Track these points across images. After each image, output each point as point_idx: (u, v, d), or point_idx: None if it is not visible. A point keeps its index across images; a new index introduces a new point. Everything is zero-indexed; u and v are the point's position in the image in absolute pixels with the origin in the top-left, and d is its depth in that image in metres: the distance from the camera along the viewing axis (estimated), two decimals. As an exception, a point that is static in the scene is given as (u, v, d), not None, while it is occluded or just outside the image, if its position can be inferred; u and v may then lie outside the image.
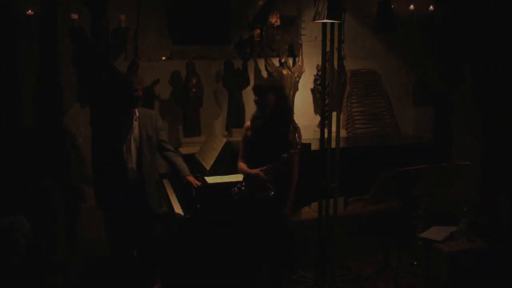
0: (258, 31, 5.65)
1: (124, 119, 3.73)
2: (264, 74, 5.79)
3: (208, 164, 4.28)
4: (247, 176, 3.56)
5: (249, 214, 3.56)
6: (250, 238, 3.64)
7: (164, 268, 4.17)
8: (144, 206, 3.77)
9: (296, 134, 3.48)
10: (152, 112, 3.98)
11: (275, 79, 5.50)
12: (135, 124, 3.75)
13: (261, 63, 5.78)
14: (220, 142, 4.33)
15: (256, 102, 3.59)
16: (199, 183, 3.88)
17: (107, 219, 3.94)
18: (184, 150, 4.93)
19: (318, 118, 5.95)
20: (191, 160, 4.46)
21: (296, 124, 3.55)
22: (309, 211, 5.12)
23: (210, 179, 3.93)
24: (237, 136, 4.77)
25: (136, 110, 3.78)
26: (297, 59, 5.85)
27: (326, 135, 4.13)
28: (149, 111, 3.98)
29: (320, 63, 5.51)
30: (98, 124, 3.84)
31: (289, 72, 5.73)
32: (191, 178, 3.91)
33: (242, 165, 3.61)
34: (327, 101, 4.42)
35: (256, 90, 3.61)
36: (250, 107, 3.66)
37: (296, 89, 5.83)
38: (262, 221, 3.56)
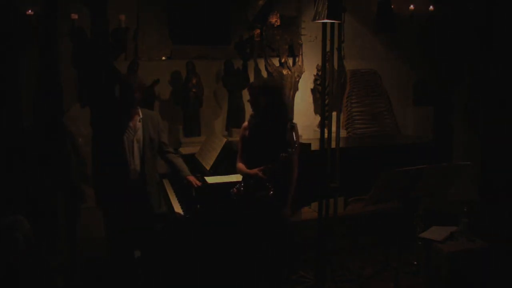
0: (258, 31, 5.65)
1: (125, 120, 3.73)
2: (264, 74, 5.79)
3: (208, 164, 4.29)
4: (246, 176, 3.56)
5: (249, 214, 3.55)
6: (250, 238, 3.64)
7: (164, 268, 4.16)
8: (145, 207, 3.78)
9: (294, 133, 3.46)
10: (153, 113, 3.99)
11: (271, 79, 5.48)
12: (139, 125, 3.75)
13: (261, 63, 5.78)
14: (220, 142, 4.33)
15: (249, 102, 3.60)
16: (199, 183, 3.88)
17: (107, 219, 3.94)
18: (184, 150, 4.93)
19: (318, 118, 5.95)
20: (191, 160, 4.46)
21: (294, 123, 3.55)
22: (309, 211, 5.12)
23: (210, 179, 3.93)
24: (237, 136, 4.76)
25: (140, 111, 3.78)
26: (297, 59, 5.85)
27: (326, 135, 4.13)
28: (151, 112, 3.99)
29: (320, 63, 5.51)
30: (99, 124, 3.86)
31: (289, 72, 5.73)
32: (191, 178, 3.91)
33: (240, 165, 3.60)
34: (327, 101, 4.42)
35: (249, 90, 3.63)
36: (250, 107, 3.67)
37: (296, 89, 5.83)
38: (262, 221, 3.55)
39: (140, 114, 3.78)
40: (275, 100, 3.52)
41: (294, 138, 3.44)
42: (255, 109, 3.58)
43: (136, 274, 3.98)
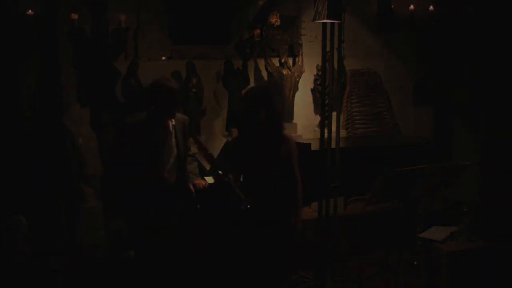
0: (258, 31, 5.65)
1: (161, 124, 3.55)
2: (264, 74, 5.79)
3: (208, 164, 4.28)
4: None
5: (253, 223, 3.44)
6: (252, 241, 3.52)
7: (163, 268, 4.16)
8: (173, 213, 3.63)
9: (287, 146, 3.39)
10: (183, 117, 3.76)
11: (271, 81, 5.46)
12: (172, 130, 3.57)
13: (261, 63, 5.78)
14: (220, 142, 4.34)
15: (248, 115, 3.47)
16: (202, 185, 3.76)
17: (130, 226, 3.79)
18: (184, 150, 4.93)
19: (318, 118, 5.95)
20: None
21: (289, 136, 3.48)
22: (309, 211, 5.12)
23: (210, 179, 3.93)
24: (237, 136, 4.76)
25: None
26: (297, 59, 5.85)
27: (326, 135, 4.13)
28: (182, 116, 3.75)
29: (320, 63, 5.51)
30: (135, 130, 3.55)
31: (289, 72, 5.73)
32: (197, 181, 3.76)
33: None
34: (327, 101, 4.42)
35: (248, 102, 3.44)
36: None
37: (296, 89, 5.83)
38: (265, 229, 3.44)
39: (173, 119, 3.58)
40: (275, 108, 3.43)
41: (290, 151, 3.39)
42: (250, 122, 3.45)
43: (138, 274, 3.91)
